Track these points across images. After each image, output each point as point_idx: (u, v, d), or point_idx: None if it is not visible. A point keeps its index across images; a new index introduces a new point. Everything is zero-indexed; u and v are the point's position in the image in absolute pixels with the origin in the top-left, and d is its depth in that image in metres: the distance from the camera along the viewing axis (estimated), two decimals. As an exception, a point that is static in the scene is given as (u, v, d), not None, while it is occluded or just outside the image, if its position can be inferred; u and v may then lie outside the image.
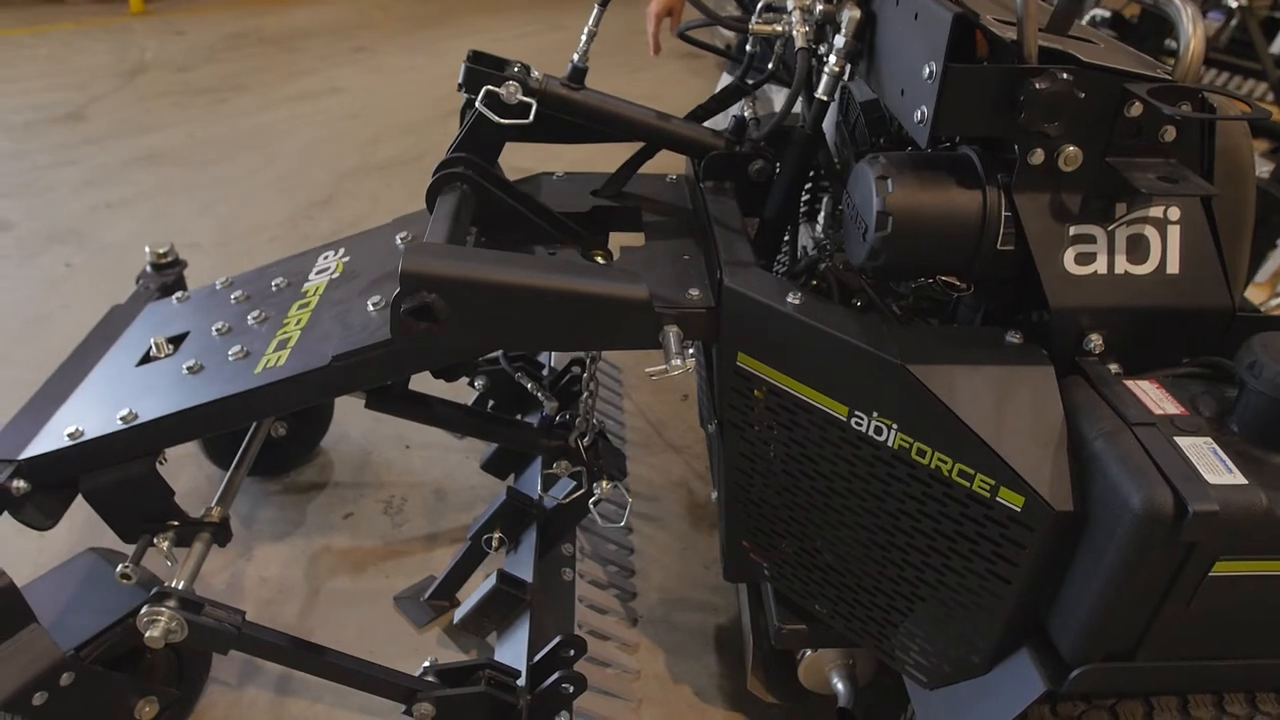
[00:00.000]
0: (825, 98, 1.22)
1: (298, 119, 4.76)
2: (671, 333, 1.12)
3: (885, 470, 1.13)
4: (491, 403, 2.08)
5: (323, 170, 4.15)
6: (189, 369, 1.42)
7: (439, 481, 2.32)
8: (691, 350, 1.22)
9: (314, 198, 3.88)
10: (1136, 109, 0.99)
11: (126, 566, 1.35)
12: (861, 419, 1.12)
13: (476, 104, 1.32)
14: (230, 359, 1.41)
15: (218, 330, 1.52)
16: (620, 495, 1.73)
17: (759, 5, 1.31)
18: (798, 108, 1.44)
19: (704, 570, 2.12)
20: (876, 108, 1.34)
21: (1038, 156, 1.02)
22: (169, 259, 1.93)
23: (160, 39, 6.06)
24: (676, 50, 2.86)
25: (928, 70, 0.98)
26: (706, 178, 1.46)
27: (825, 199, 1.61)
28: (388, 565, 2.06)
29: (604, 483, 1.67)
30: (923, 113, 1.00)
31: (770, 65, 1.41)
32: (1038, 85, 0.94)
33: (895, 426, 1.09)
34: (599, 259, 1.45)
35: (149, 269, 1.92)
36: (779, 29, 1.28)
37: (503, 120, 1.32)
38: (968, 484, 1.05)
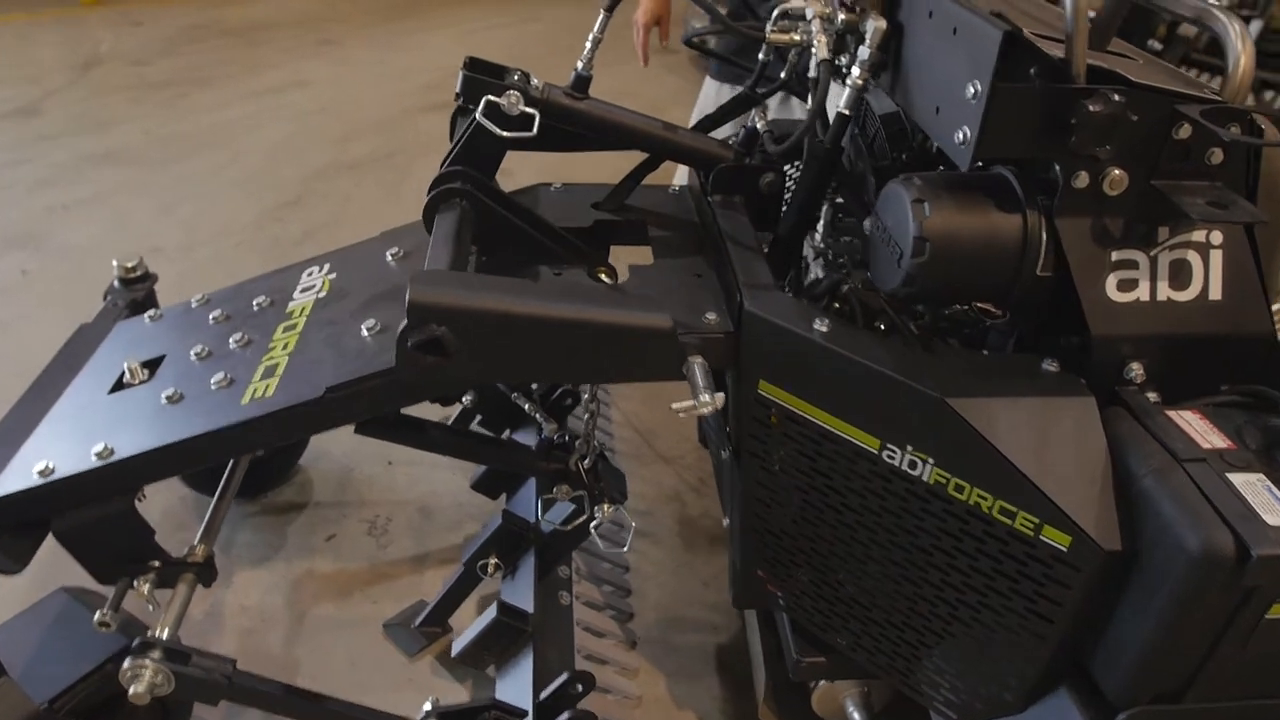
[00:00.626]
0: (847, 111, 1.16)
1: (263, 115, 4.61)
2: (696, 364, 1.06)
3: (919, 505, 1.08)
4: (479, 417, 2.01)
5: (290, 169, 4.02)
6: (168, 398, 1.33)
7: (424, 499, 2.23)
8: None
9: (282, 198, 3.76)
10: (1186, 131, 0.95)
11: (105, 614, 1.26)
12: (894, 452, 1.07)
13: (477, 115, 1.25)
14: (213, 387, 1.32)
15: (197, 354, 1.43)
16: (622, 518, 1.67)
17: (774, 13, 1.24)
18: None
19: (702, 587, 2.07)
20: (898, 120, 1.29)
21: (1082, 180, 0.97)
22: (138, 273, 1.82)
23: (116, 30, 5.85)
24: (657, 45, 2.79)
25: (972, 90, 0.93)
26: (715, 191, 1.39)
27: (825, 207, 1.55)
28: (375, 590, 1.98)
29: (606, 506, 1.61)
30: (965, 134, 0.95)
31: (783, 74, 1.35)
32: (1091, 108, 0.89)
33: (931, 461, 1.04)
34: (604, 277, 1.38)
35: (117, 284, 1.81)
36: (796, 38, 1.22)
37: (505, 134, 1.24)
38: (1009, 521, 1.01)
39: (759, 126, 1.36)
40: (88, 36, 5.66)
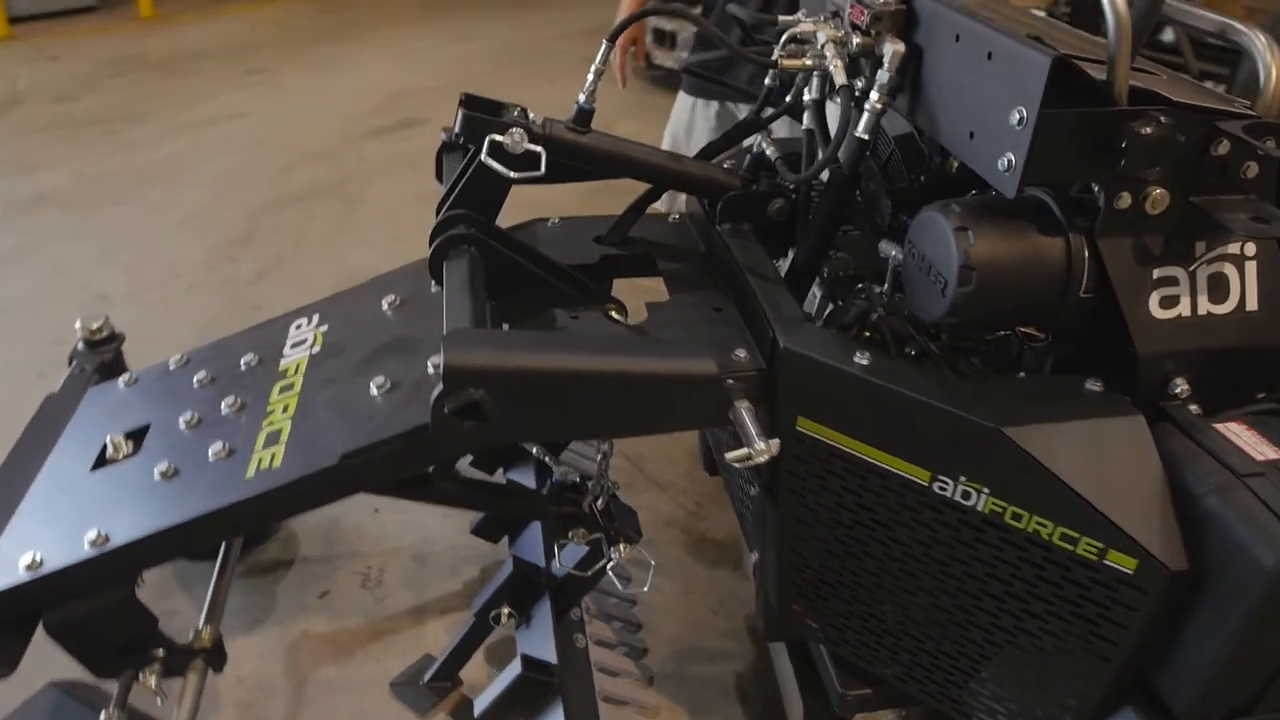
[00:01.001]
0: (865, 136, 1.14)
1: (200, 149, 4.44)
2: (744, 409, 1.02)
3: (974, 535, 1.06)
4: (470, 457, 1.94)
5: (235, 204, 3.88)
6: (163, 474, 1.24)
7: (417, 546, 2.16)
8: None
9: (230, 235, 3.62)
10: (1224, 147, 0.94)
11: (112, 713, 1.16)
12: (946, 484, 1.05)
13: (482, 156, 1.19)
14: (212, 459, 1.23)
15: (186, 422, 1.34)
16: (641, 557, 1.62)
17: (783, 38, 1.22)
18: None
19: (712, 615, 2.03)
20: (913, 142, 1.27)
21: (1124, 200, 0.96)
22: (104, 333, 1.72)
23: (32, 67, 5.59)
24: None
25: (1017, 116, 0.91)
26: (724, 220, 1.36)
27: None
28: (376, 647, 1.89)
29: (623, 547, 1.56)
30: (1010, 160, 0.93)
31: (788, 99, 1.32)
32: (1141, 131, 0.88)
33: (986, 491, 1.02)
34: (614, 314, 1.34)
35: (82, 346, 1.70)
36: (808, 63, 1.20)
37: (514, 174, 1.19)
38: (1071, 548, 0.99)
39: (768, 152, 1.33)
40: (2, 74, 5.40)
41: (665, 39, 5.04)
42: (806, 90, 1.33)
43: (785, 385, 1.11)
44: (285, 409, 1.29)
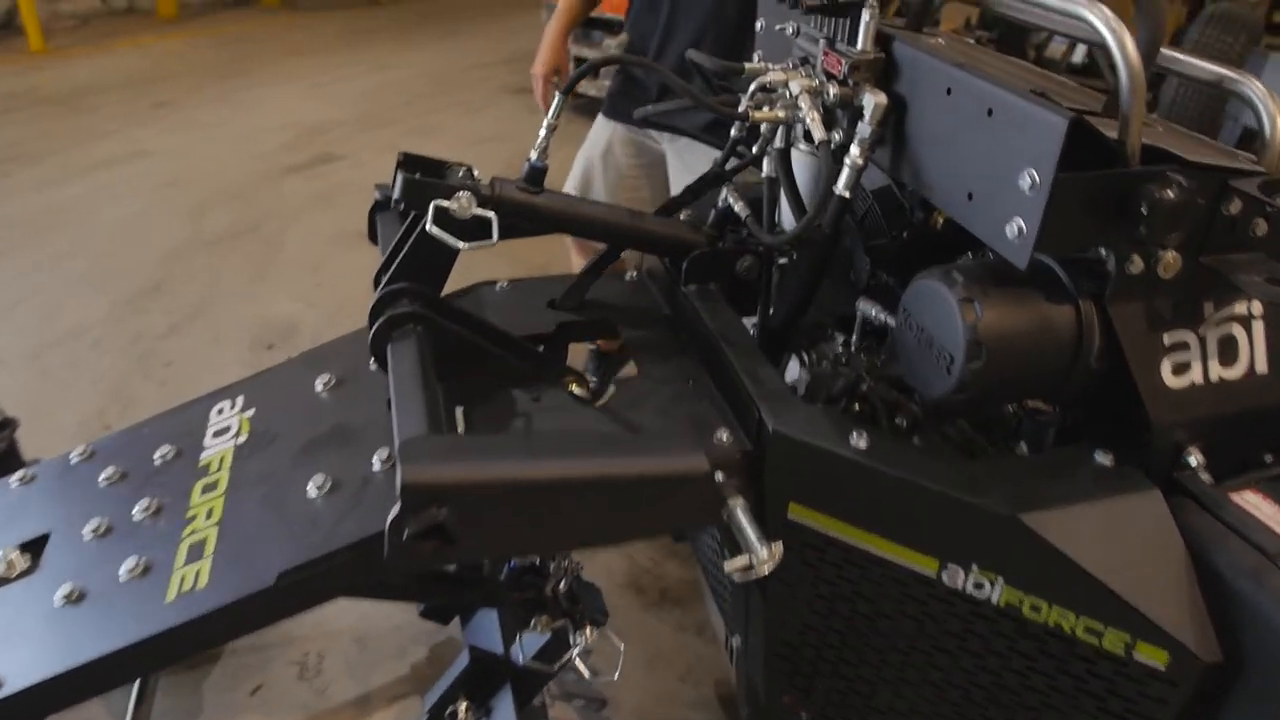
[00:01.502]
0: (846, 194, 1.06)
1: (103, 191, 4.17)
2: (739, 509, 0.91)
3: (987, 628, 0.98)
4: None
5: (143, 251, 3.63)
6: (66, 598, 1.07)
7: (356, 627, 1.99)
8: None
9: (139, 285, 3.38)
10: (1236, 205, 0.89)
11: None
12: (956, 573, 0.96)
13: (427, 225, 1.07)
14: (125, 578, 1.07)
15: (94, 531, 1.17)
16: (609, 640, 1.50)
17: (751, 87, 1.13)
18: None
19: (679, 684, 1.92)
20: (892, 196, 1.19)
21: (1136, 265, 0.90)
22: (-6, 420, 1.52)
23: (-90, 106, 5.21)
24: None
25: (1027, 180, 0.83)
26: (690, 280, 1.26)
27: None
28: (318, 748, 1.73)
29: (588, 630, 1.44)
30: (1019, 228, 0.85)
31: (754, 150, 1.23)
32: (1162, 194, 0.81)
33: (1001, 580, 0.94)
34: (575, 388, 1.23)
35: (-34, 435, 1.51)
36: (780, 114, 1.11)
37: (465, 245, 1.07)
38: (1096, 641, 0.92)
39: (736, 207, 1.24)
40: (-124, 114, 5.01)
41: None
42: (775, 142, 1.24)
43: (775, 470, 1.02)
44: (209, 514, 1.14)
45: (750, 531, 0.89)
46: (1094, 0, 0.90)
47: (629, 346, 1.25)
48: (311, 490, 1.09)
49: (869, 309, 1.18)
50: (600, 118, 2.39)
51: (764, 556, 0.87)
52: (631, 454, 0.91)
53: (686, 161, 2.16)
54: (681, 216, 1.32)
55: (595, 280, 1.33)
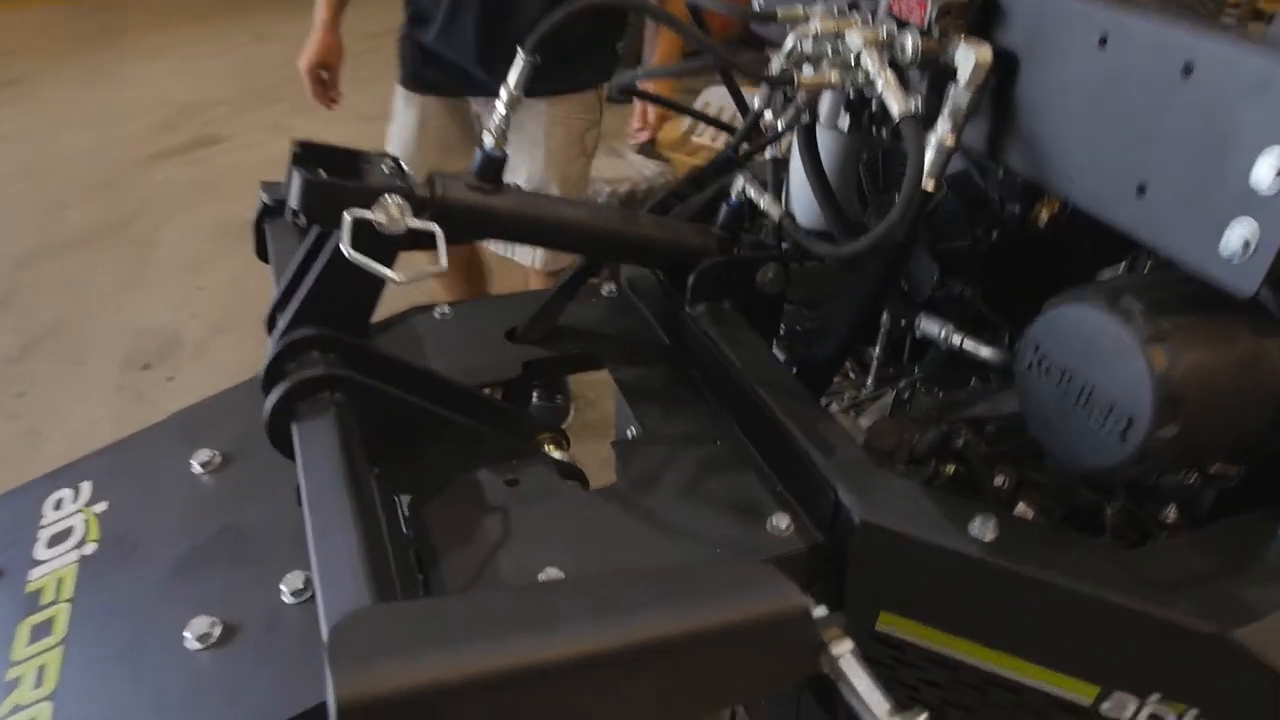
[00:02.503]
0: (929, 185, 0.77)
1: (-64, 186, 3.60)
2: (849, 657, 0.61)
3: (1165, 777, 0.72)
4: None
5: (-12, 256, 3.12)
6: None
7: None
8: None
9: (-18, 298, 2.88)
10: None
11: None
12: (1125, 703, 0.71)
13: (344, 248, 0.73)
14: (-92, 792, 0.72)
15: None
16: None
17: (787, 44, 0.82)
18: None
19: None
20: (971, 184, 0.91)
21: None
22: None
23: None
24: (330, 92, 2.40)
25: (1268, 168, 0.56)
26: (698, 298, 0.96)
27: None
28: None
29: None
30: (1245, 241, 0.58)
31: (781, 125, 0.93)
32: None
33: (1194, 713, 0.69)
34: (553, 450, 0.92)
35: None
36: (832, 77, 0.81)
37: (401, 280, 0.74)
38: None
39: (761, 203, 0.94)
40: None
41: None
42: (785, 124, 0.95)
43: (862, 570, 0.73)
44: (40, 676, 0.78)
45: (874, 693, 0.59)
46: None
47: (629, 392, 0.95)
48: (191, 640, 0.74)
49: (935, 328, 0.91)
50: (399, 90, 2.09)
51: (894, 720, 0.57)
52: (679, 598, 0.60)
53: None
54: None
55: (566, 304, 1.01)
